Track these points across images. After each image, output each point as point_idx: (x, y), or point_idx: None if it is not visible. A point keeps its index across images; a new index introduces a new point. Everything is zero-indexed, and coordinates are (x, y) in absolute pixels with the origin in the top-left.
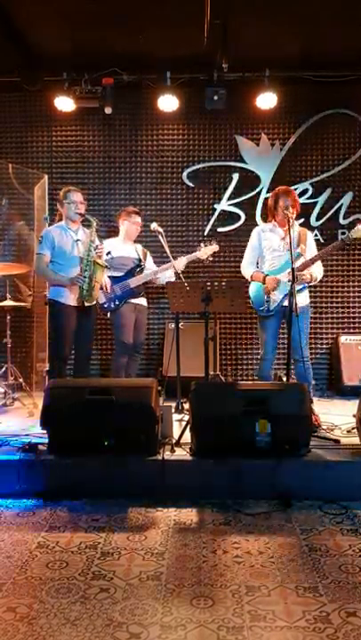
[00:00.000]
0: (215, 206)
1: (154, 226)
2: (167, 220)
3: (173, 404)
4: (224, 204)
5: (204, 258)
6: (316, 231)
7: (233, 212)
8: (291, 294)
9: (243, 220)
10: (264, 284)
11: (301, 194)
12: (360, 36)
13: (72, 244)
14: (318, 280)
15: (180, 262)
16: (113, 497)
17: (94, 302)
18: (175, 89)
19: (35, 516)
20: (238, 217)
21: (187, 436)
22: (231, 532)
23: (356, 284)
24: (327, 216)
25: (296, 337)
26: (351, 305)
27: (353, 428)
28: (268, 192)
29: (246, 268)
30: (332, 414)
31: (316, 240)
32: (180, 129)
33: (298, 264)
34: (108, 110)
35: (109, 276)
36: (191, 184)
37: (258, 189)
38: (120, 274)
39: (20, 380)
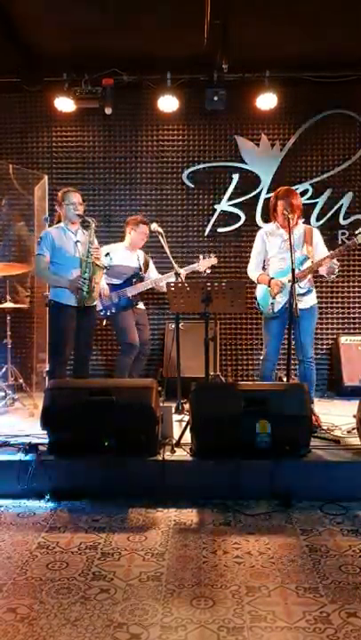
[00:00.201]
0: (215, 207)
1: (154, 226)
2: (167, 221)
3: (174, 405)
4: (224, 205)
5: (202, 270)
6: (315, 228)
7: (233, 212)
8: (291, 294)
9: (243, 221)
10: (270, 286)
11: (301, 194)
12: (360, 37)
13: (72, 245)
14: (337, 272)
15: (180, 274)
16: (113, 497)
17: (94, 303)
18: (175, 89)
19: (35, 517)
20: (238, 217)
21: (187, 437)
22: (231, 532)
23: (356, 284)
24: (327, 216)
25: (300, 337)
26: (351, 305)
27: (353, 429)
28: (268, 192)
29: (253, 272)
30: (332, 415)
31: None
32: (180, 129)
33: (305, 267)
34: (108, 111)
35: (108, 283)
36: (191, 184)
37: (258, 190)
38: (119, 281)
39: (21, 380)
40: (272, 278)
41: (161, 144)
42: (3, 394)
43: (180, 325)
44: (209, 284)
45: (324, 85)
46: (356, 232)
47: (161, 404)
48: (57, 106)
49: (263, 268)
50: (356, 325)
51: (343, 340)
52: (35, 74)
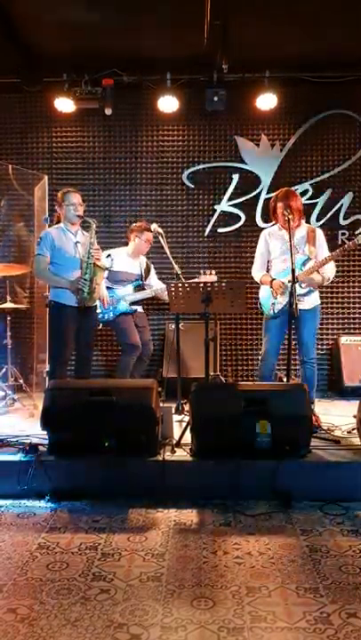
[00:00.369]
0: (215, 207)
1: (154, 227)
2: (167, 221)
3: (174, 405)
4: (224, 205)
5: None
6: (319, 229)
7: (233, 212)
8: (291, 294)
9: (243, 221)
10: (272, 287)
11: (302, 194)
12: (360, 37)
13: (72, 246)
14: (330, 280)
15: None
16: (113, 498)
17: (95, 303)
18: (175, 90)
19: (35, 517)
20: (238, 218)
21: (187, 437)
22: (231, 532)
23: (356, 284)
24: (327, 217)
25: (302, 337)
26: (352, 306)
27: (353, 429)
28: (268, 193)
29: (256, 273)
30: (332, 415)
31: None
32: (180, 130)
33: (306, 267)
34: (108, 111)
35: (108, 287)
36: (191, 185)
37: (258, 190)
38: (118, 287)
39: (21, 381)
40: (274, 279)
41: (161, 144)
42: (3, 394)
43: (180, 326)
44: (209, 284)
45: (324, 85)
46: (357, 232)
47: (161, 405)
48: (57, 106)
49: (267, 269)
50: (357, 326)
51: (343, 340)
52: (35, 74)
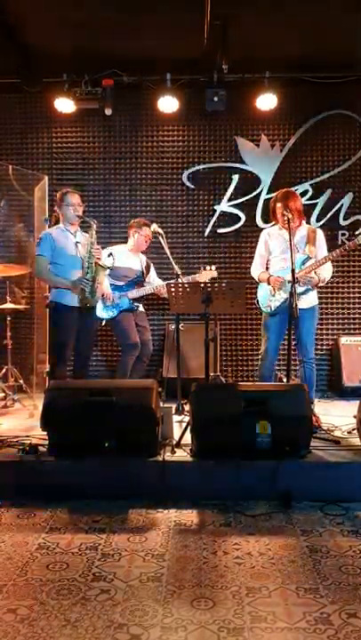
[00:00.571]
0: (215, 207)
1: (154, 227)
2: (167, 222)
3: (174, 406)
4: (224, 206)
5: (203, 281)
6: (319, 229)
7: (233, 213)
8: (291, 295)
9: (243, 222)
10: (269, 284)
11: (302, 195)
12: (360, 37)
13: (72, 246)
14: (327, 281)
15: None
16: (113, 498)
17: (96, 304)
18: (175, 90)
19: (35, 518)
20: (238, 218)
21: (187, 438)
22: (232, 533)
23: (356, 284)
24: (327, 217)
25: (301, 337)
26: (352, 306)
27: (353, 429)
28: (268, 193)
29: (254, 271)
30: (332, 415)
31: None
32: (180, 130)
33: (306, 266)
34: (108, 111)
35: (110, 284)
36: (191, 185)
37: (258, 190)
38: (121, 283)
39: (21, 381)
40: (271, 275)
41: (161, 145)
42: (3, 394)
43: (180, 326)
44: (209, 284)
45: (324, 86)
46: (357, 232)
47: (161, 405)
48: (57, 106)
49: (266, 269)
50: (357, 326)
51: (343, 340)
52: (34, 74)
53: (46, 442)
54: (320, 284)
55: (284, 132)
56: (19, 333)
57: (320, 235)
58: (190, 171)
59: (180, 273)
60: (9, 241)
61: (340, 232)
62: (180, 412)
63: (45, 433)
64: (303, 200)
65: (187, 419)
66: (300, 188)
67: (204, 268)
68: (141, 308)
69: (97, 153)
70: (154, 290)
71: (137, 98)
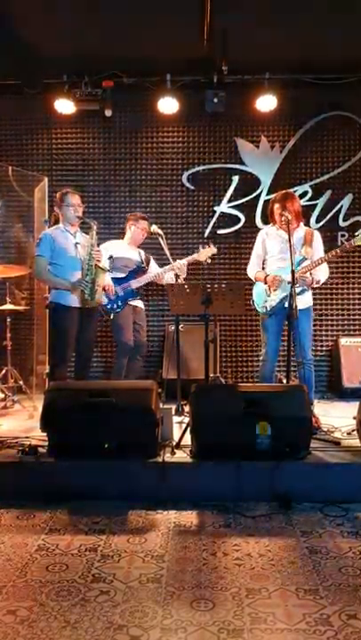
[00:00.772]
0: (215, 208)
1: (154, 228)
2: (167, 223)
3: (173, 407)
4: (224, 207)
5: (203, 260)
6: (317, 231)
7: (233, 214)
8: (290, 296)
9: (242, 223)
10: (266, 283)
11: (301, 196)
12: (360, 39)
13: (72, 247)
14: (322, 283)
15: (180, 264)
16: (113, 499)
17: (96, 304)
18: (175, 91)
19: (35, 519)
20: (238, 219)
21: (187, 439)
22: (231, 534)
23: (356, 285)
24: (327, 218)
25: (299, 339)
26: (351, 307)
27: (353, 430)
28: (268, 194)
29: (251, 271)
30: (332, 416)
31: None
32: (179, 131)
33: (301, 267)
34: (108, 113)
35: (112, 277)
36: (191, 186)
37: (258, 192)
38: (122, 275)
39: (20, 382)
40: (268, 274)
41: (161, 146)
42: (2, 396)
43: (180, 327)
44: (209, 285)
45: (323, 87)
46: (356, 234)
47: (161, 406)
48: (57, 108)
49: (262, 269)
50: (357, 327)
51: (343, 341)
52: (35, 76)
53: (46, 443)
54: (314, 285)
55: (284, 133)
56: (18, 334)
57: (317, 237)
58: (190, 172)
59: (179, 274)
60: (8, 242)
61: (339, 233)
62: (179, 413)
63: (45, 434)
64: (303, 201)
65: (186, 420)
66: (299, 189)
67: (203, 247)
68: (142, 305)
69: (97, 154)
70: (154, 277)
71: (137, 99)
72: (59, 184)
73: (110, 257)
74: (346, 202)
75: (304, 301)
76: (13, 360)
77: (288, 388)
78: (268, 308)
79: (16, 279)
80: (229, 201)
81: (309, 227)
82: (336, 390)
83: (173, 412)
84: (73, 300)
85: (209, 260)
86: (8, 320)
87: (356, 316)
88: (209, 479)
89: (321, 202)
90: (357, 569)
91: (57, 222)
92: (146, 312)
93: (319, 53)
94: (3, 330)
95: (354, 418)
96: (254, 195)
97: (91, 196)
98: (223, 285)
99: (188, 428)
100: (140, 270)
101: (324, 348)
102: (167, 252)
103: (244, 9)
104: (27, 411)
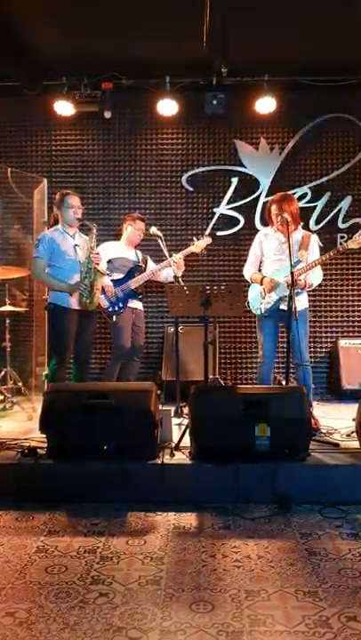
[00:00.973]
0: (214, 210)
1: (153, 230)
2: (166, 224)
3: (173, 408)
4: (223, 208)
5: (199, 251)
6: (315, 235)
7: (232, 216)
8: (290, 298)
9: (242, 224)
10: (262, 285)
11: (301, 198)
12: (359, 41)
13: (71, 249)
14: (314, 286)
15: (177, 258)
16: (112, 501)
17: (95, 307)
18: (174, 93)
19: (34, 521)
20: (237, 221)
21: (186, 440)
22: (231, 536)
23: (355, 287)
24: (326, 220)
25: (295, 341)
26: (351, 308)
27: (352, 432)
28: (267, 196)
29: (247, 272)
30: (331, 418)
31: None
32: (179, 133)
33: (296, 270)
34: (107, 114)
35: (110, 279)
36: (190, 188)
37: (257, 193)
38: (120, 275)
39: (19, 384)
40: (264, 277)
41: (160, 148)
42: (2, 397)
43: (179, 329)
44: (208, 287)
45: (323, 89)
46: (356, 235)
47: (160, 408)
48: (56, 109)
49: (259, 270)
50: (356, 328)
51: (343, 343)
52: (34, 77)
53: (45, 444)
54: (307, 289)
55: (284, 135)
56: (18, 336)
57: (314, 240)
58: (189, 173)
59: (179, 276)
60: (7, 243)
61: (338, 235)
62: (178, 414)
63: (44, 436)
64: (302, 203)
65: (186, 421)
66: (298, 191)
67: (198, 238)
68: (141, 307)
69: (96, 156)
70: (151, 275)
71: (136, 101)
72: (58, 185)
73: (110, 261)
74: (345, 204)
75: (300, 303)
76: (12, 362)
77: (287, 390)
78: (264, 310)
79: (16, 280)
80: (229, 203)
81: (309, 228)
82: (335, 392)
83: (173, 414)
84: (72, 302)
85: (205, 252)
86: (7, 321)
87: (356, 318)
88: (208, 481)
89: (320, 204)
90: (357, 571)
91: (56, 223)
92: (145, 314)
93: (319, 55)
94: (2, 331)
95: (353, 419)
96: (254, 196)
97: (90, 198)
98: (222, 287)
99: (188, 430)
100: (138, 270)
101: (323, 350)
102: (166, 254)
103: (243, 11)
104: (26, 412)
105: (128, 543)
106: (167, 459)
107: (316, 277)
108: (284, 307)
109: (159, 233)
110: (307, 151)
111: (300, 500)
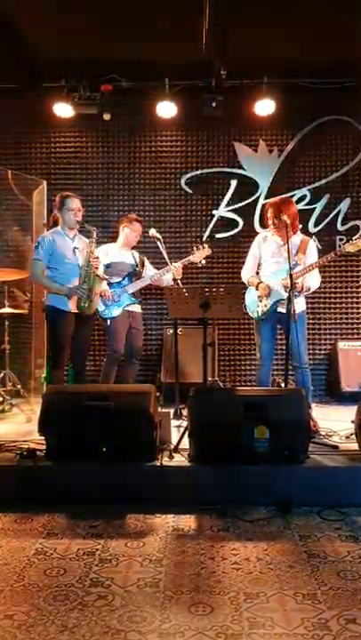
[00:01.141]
0: (213, 212)
1: (152, 232)
2: (166, 227)
3: (172, 410)
4: (222, 211)
5: (197, 261)
6: (314, 237)
7: (231, 218)
8: (289, 300)
9: (241, 227)
10: (257, 289)
11: (300, 200)
12: (358, 43)
13: (70, 251)
14: (312, 290)
15: (176, 267)
16: (111, 503)
17: (93, 311)
18: (173, 95)
19: (32, 523)
20: (236, 223)
21: (185, 442)
22: (230, 538)
23: (354, 289)
24: (325, 222)
25: (294, 343)
26: (350, 311)
27: (352, 434)
28: (266, 198)
29: (245, 274)
30: (330, 420)
31: None
32: (178, 135)
33: (294, 271)
34: (106, 116)
35: (107, 283)
36: (189, 190)
37: (256, 196)
38: (118, 279)
39: (18, 386)
40: (260, 282)
41: (159, 150)
42: (0, 399)
43: (178, 331)
44: (207, 289)
45: (322, 91)
46: (354, 238)
47: (159, 410)
48: (56, 111)
49: (257, 273)
50: (355, 331)
51: (342, 345)
52: (33, 80)
53: (44, 446)
54: (304, 292)
55: (283, 137)
56: (17, 338)
57: (312, 245)
58: (188, 176)
59: (178, 278)
60: (7, 245)
61: (337, 237)
62: (178, 416)
63: (43, 437)
64: (301, 205)
65: (185, 423)
66: (298, 194)
67: (197, 248)
68: (139, 309)
69: (96, 158)
70: (151, 281)
71: (135, 103)
72: (57, 187)
73: (109, 265)
74: (344, 206)
75: (297, 306)
76: (12, 364)
77: (286, 392)
78: (260, 313)
79: (17, 282)
80: (228, 205)
81: (308, 230)
82: (334, 394)
83: (172, 416)
84: (69, 305)
85: (203, 262)
86: (6, 323)
87: (355, 320)
88: (207, 483)
89: (319, 206)
90: (356, 573)
91: (55, 224)
92: (144, 316)
93: (318, 58)
94: (1, 333)
95: (352, 422)
96: (253, 199)
97: (89, 200)
98: (221, 289)
99: (187, 432)
100: (135, 273)
101: (322, 352)
102: (166, 256)
103: (242, 13)
104: (25, 414)
105: (127, 545)
106: (166, 461)
107: (313, 281)
108: (281, 309)
109: (158, 235)
110: (306, 153)
111: (299, 503)
